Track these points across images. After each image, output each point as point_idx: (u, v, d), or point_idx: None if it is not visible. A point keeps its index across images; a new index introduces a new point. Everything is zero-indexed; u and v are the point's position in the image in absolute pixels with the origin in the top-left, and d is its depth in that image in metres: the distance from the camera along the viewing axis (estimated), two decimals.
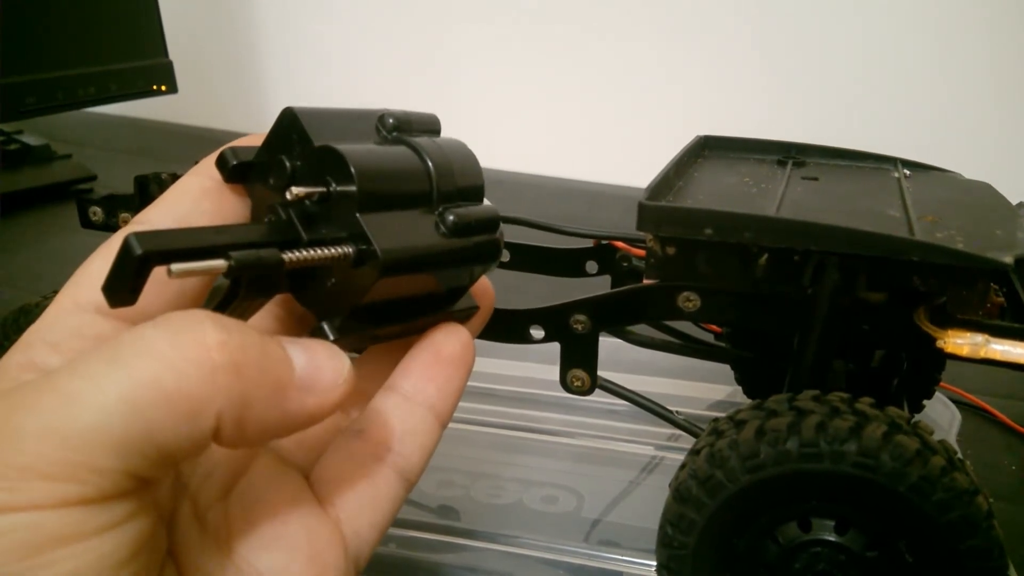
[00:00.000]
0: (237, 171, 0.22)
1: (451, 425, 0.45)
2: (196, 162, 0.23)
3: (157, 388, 0.15)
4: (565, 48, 0.96)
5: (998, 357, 0.28)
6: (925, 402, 0.42)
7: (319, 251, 0.20)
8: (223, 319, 0.17)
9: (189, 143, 1.04)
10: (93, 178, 0.87)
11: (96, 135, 1.08)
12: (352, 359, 0.26)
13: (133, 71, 0.86)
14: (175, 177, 0.40)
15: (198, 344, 0.16)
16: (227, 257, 0.18)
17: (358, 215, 0.20)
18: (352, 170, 0.20)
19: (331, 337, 0.21)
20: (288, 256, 0.19)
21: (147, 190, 0.41)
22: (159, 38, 0.88)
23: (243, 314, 0.21)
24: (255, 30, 1.12)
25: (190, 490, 0.21)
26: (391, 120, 0.23)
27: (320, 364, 0.18)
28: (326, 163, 0.20)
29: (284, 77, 1.13)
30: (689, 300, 0.32)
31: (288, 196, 0.20)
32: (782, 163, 0.39)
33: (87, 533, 0.15)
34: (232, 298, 0.19)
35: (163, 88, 0.89)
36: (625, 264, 0.43)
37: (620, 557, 0.38)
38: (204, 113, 1.12)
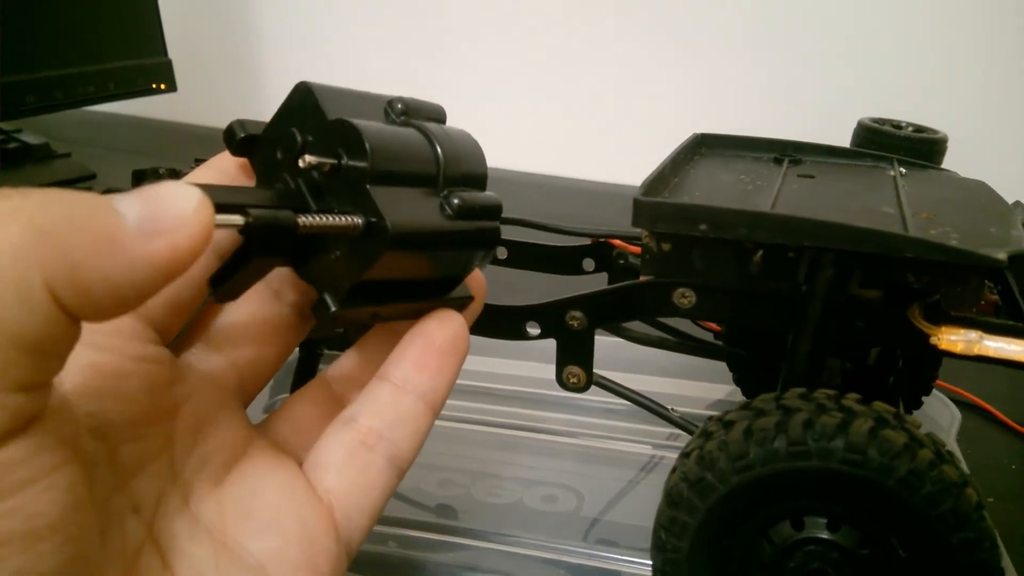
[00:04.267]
0: (244, 144, 0.22)
1: (451, 424, 0.45)
2: (195, 160, 0.23)
3: None
4: (563, 47, 0.96)
5: (992, 354, 0.28)
6: (925, 400, 0.42)
7: (332, 218, 0.20)
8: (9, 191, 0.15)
9: (188, 142, 1.04)
10: (92, 177, 0.87)
11: (95, 134, 1.07)
12: (344, 352, 0.26)
13: (132, 70, 0.86)
14: (173, 172, 0.40)
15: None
16: (245, 214, 0.18)
17: (368, 187, 0.20)
18: (366, 144, 0.20)
19: (333, 308, 0.21)
20: (303, 220, 0.19)
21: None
22: (159, 37, 0.88)
23: (248, 281, 0.21)
24: (255, 29, 1.12)
25: (183, 479, 0.21)
26: (400, 105, 0.23)
27: (159, 204, 0.16)
28: (339, 137, 0.21)
29: (284, 76, 1.13)
30: (684, 296, 0.32)
31: (300, 164, 0.20)
32: (778, 161, 0.38)
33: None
34: (240, 260, 0.19)
35: (162, 87, 0.89)
36: (622, 261, 0.43)
37: (619, 556, 0.38)
38: (204, 112, 1.12)
